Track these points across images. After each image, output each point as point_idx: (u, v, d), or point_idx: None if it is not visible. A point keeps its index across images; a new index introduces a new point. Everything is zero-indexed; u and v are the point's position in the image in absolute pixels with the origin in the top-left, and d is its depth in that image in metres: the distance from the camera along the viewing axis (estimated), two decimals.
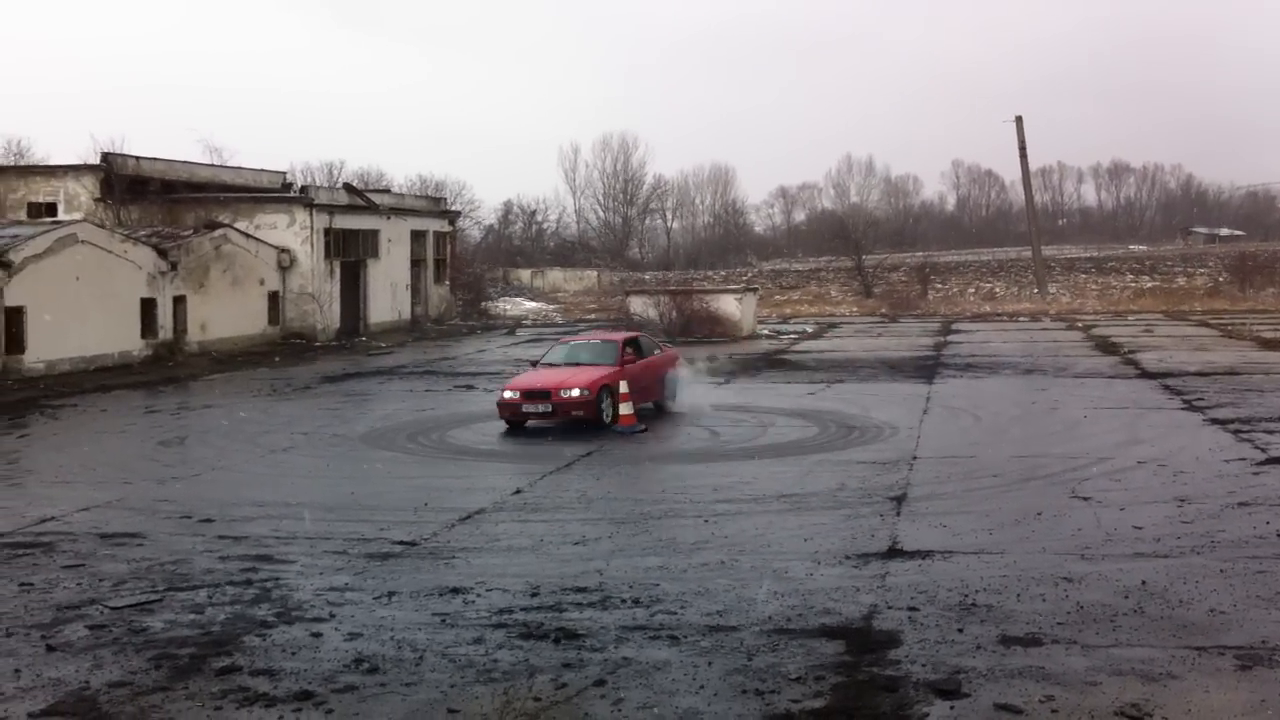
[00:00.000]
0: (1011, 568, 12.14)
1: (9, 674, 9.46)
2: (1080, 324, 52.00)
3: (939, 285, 76.18)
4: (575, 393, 22.29)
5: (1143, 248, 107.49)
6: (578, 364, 23.98)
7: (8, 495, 17.35)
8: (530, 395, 22.54)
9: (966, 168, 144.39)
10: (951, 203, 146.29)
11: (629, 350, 24.55)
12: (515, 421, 22.84)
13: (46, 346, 33.50)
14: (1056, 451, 19.37)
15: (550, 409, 22.40)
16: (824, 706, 8.56)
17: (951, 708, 8.49)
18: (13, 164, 59.79)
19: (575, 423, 22.41)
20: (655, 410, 24.96)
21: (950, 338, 45.75)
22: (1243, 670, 9.14)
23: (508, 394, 22.84)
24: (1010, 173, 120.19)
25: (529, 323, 60.37)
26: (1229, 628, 10.14)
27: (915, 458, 19.03)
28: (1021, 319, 57.11)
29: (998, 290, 75.27)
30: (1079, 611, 10.60)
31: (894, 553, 12.92)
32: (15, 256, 32.67)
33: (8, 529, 14.85)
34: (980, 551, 12.86)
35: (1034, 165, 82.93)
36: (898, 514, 14.92)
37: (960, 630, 10.12)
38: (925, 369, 33.43)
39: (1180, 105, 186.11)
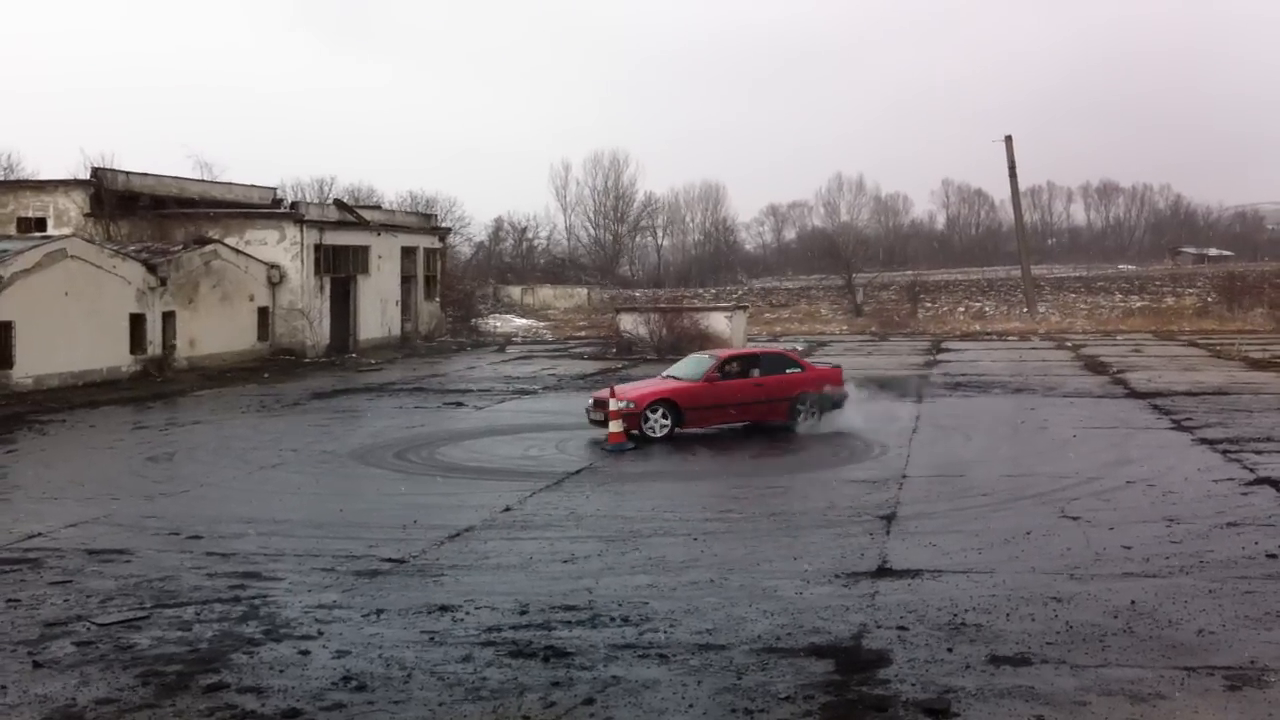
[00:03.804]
0: (1001, 587, 12.14)
1: None
2: (1069, 343, 52.11)
3: (928, 304, 76.32)
4: (622, 405, 23.01)
5: (1131, 267, 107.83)
6: (676, 379, 24.83)
7: None
8: (597, 404, 23.76)
9: (956, 187, 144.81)
10: (941, 221, 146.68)
11: (732, 365, 24.99)
12: (597, 424, 23.79)
13: (35, 362, 33.40)
14: (1045, 471, 19.39)
15: (602, 418, 23.23)
16: None
17: None
18: (2, 178, 59.63)
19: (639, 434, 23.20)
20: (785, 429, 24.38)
21: (940, 356, 45.82)
22: (1232, 690, 9.14)
23: (588, 399, 24.73)
24: (1000, 192, 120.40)
25: (519, 340, 60.34)
26: (1218, 648, 10.15)
27: (905, 476, 19.04)
28: (1011, 338, 57.22)
29: (987, 309, 75.44)
30: (1068, 631, 10.60)
31: (883, 572, 12.92)
32: (4, 271, 32.58)
33: None
34: (969, 571, 12.86)
35: (1023, 185, 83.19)
36: (887, 533, 14.91)
37: (950, 650, 10.12)
38: (915, 388, 33.43)
39: (1169, 126, 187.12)
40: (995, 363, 42.04)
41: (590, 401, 24.43)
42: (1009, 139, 73.35)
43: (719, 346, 46.35)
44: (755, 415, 24.46)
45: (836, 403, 25.09)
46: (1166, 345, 50.13)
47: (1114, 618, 11.00)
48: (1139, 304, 74.60)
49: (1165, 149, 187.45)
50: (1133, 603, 11.47)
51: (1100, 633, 10.55)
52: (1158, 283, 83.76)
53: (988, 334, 60.35)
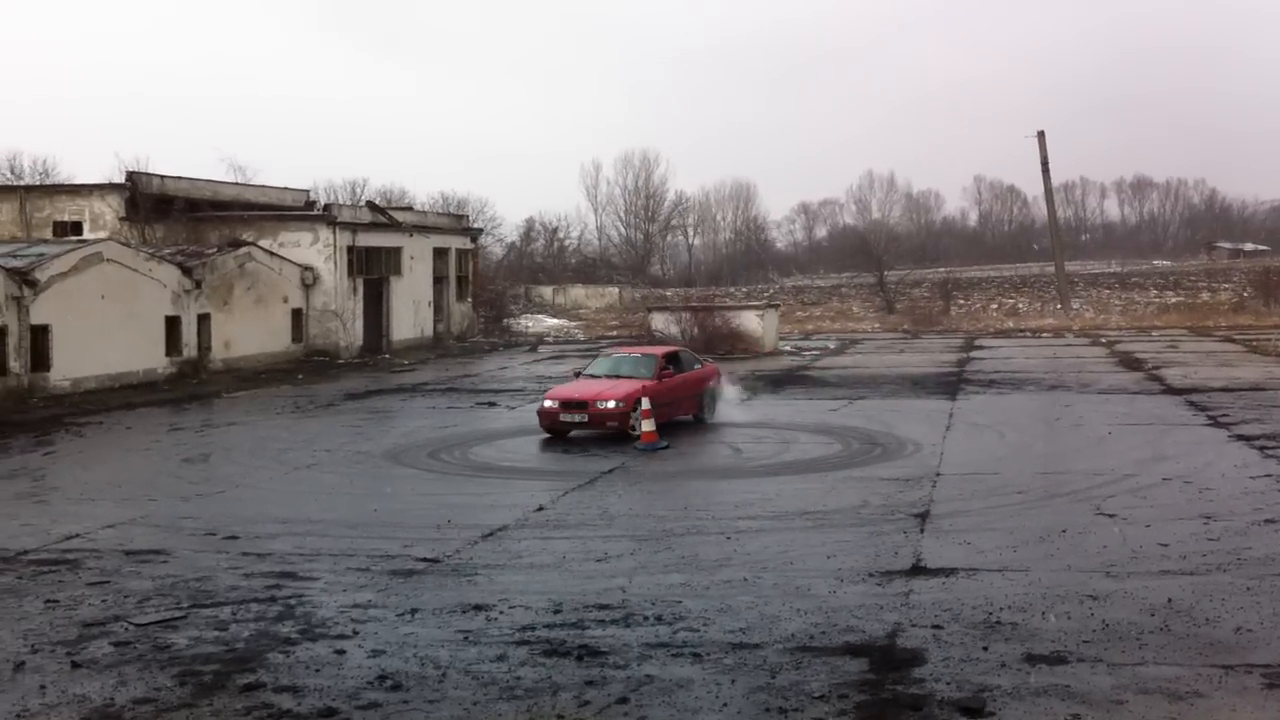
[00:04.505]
0: (1036, 585, 12.08)
1: (35, 690, 9.51)
2: (1104, 340, 51.77)
3: (961, 301, 75.97)
4: (610, 405, 23.01)
5: (1166, 263, 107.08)
6: (618, 376, 24.61)
7: (33, 512, 17.43)
8: (569, 405, 23.34)
9: (989, 183, 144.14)
10: (974, 218, 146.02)
11: (668, 366, 25.05)
12: (555, 430, 23.58)
13: (72, 364, 33.70)
14: (1081, 468, 19.28)
15: (586, 419, 23.16)
16: None
17: None
18: (39, 183, 60.17)
19: (610, 434, 23.08)
20: (694, 423, 25.26)
21: (973, 354, 45.61)
22: (1270, 689, 9.07)
23: (548, 403, 23.70)
24: (1033, 188, 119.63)
25: (551, 340, 60.43)
26: (1256, 646, 10.07)
27: (938, 474, 18.97)
28: (1045, 335, 56.91)
29: (1021, 306, 75.03)
30: (1104, 629, 10.54)
31: (917, 570, 12.88)
32: (41, 275, 32.90)
33: (33, 546, 14.93)
34: (1004, 569, 12.80)
35: (1056, 180, 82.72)
36: (921, 531, 14.86)
37: (985, 648, 10.08)
38: (948, 385, 33.33)
39: (1203, 120, 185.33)
40: (1029, 360, 41.82)
41: (548, 404, 23.74)
42: (1041, 134, 72.95)
43: (750, 345, 46.49)
44: (681, 411, 24.98)
45: (719, 397, 26.56)
46: (1202, 341, 49.73)
47: (1151, 616, 10.93)
48: (1174, 300, 74.04)
49: (1200, 143, 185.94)
50: (1170, 600, 11.39)
51: (1137, 631, 10.49)
52: (1193, 278, 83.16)
53: (1021, 331, 60.04)
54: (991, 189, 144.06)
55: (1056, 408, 27.82)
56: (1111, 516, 15.40)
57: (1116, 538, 14.19)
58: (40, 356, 32.86)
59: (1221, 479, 17.99)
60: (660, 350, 26.64)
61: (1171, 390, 30.64)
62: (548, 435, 23.87)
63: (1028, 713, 8.66)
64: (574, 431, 23.61)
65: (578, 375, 25.75)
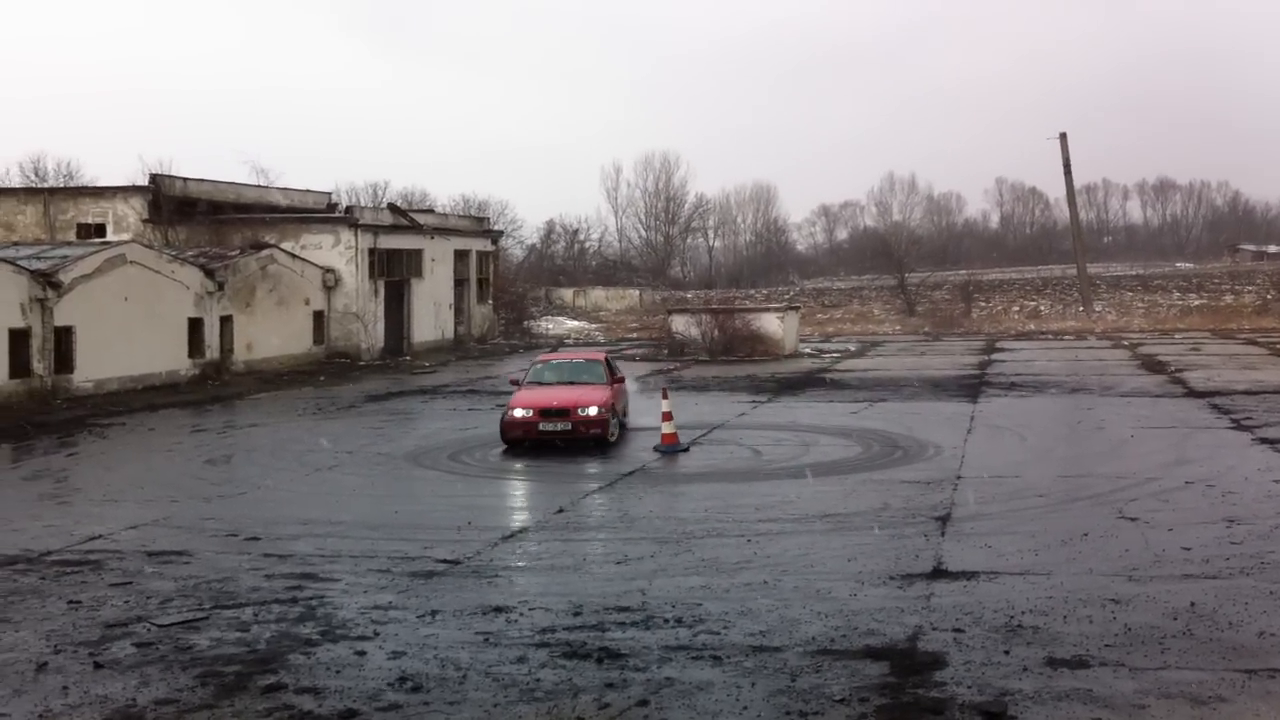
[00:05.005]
0: (1058, 589, 12.03)
1: (57, 691, 9.56)
2: (1126, 342, 51.59)
3: (983, 303, 75.75)
4: (593, 411, 22.50)
5: (1189, 265, 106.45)
6: (573, 383, 23.98)
7: (56, 513, 17.53)
8: (548, 414, 22.46)
9: (1010, 185, 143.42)
10: (995, 220, 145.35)
11: (611, 369, 25.03)
12: (528, 440, 22.55)
13: (95, 366, 33.89)
14: (1103, 471, 19.20)
15: (570, 427, 22.41)
16: None
17: None
18: (62, 185, 60.52)
19: (587, 441, 22.46)
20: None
21: (994, 356, 45.49)
22: None
23: (519, 412, 22.60)
24: (1054, 190, 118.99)
25: (571, 341, 60.50)
26: (1279, 650, 10.00)
27: (959, 477, 18.92)
28: (1067, 337, 56.73)
29: (1042, 308, 74.77)
30: (1127, 633, 10.49)
31: (938, 573, 12.84)
32: (65, 277, 33.08)
33: (56, 546, 15.01)
34: (1026, 572, 12.75)
35: (1078, 182, 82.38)
36: (942, 534, 14.82)
37: (1006, 652, 10.04)
38: (969, 388, 33.24)
39: (1227, 122, 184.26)
40: (1051, 362, 41.69)
41: (520, 413, 22.48)
42: (1063, 136, 72.73)
43: (770, 348, 46.44)
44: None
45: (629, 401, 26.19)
46: (1225, 344, 49.50)
47: (1173, 620, 10.88)
48: (1197, 302, 73.65)
49: (1223, 145, 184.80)
50: (1192, 604, 11.33)
51: (1159, 635, 10.43)
52: (1216, 280, 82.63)
53: (1043, 333, 59.87)
54: (1013, 191, 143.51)
55: (1078, 411, 27.72)
56: (1134, 520, 15.33)
57: (1139, 541, 14.12)
58: (64, 358, 33.05)
59: (1245, 483, 17.89)
60: (600, 354, 26.54)
61: (1194, 393, 30.50)
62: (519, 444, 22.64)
63: (1049, 717, 8.62)
64: (559, 441, 22.43)
65: (518, 384, 24.63)
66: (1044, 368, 39.46)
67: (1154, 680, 9.33)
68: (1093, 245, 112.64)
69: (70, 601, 12.35)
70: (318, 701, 9.20)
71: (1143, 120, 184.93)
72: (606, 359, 25.80)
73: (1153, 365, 39.29)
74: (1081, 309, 70.80)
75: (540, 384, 24.23)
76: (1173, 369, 37.40)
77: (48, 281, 32.46)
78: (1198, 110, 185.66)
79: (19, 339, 31.57)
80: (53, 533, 15.91)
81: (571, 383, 24.05)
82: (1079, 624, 10.80)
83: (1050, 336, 57.68)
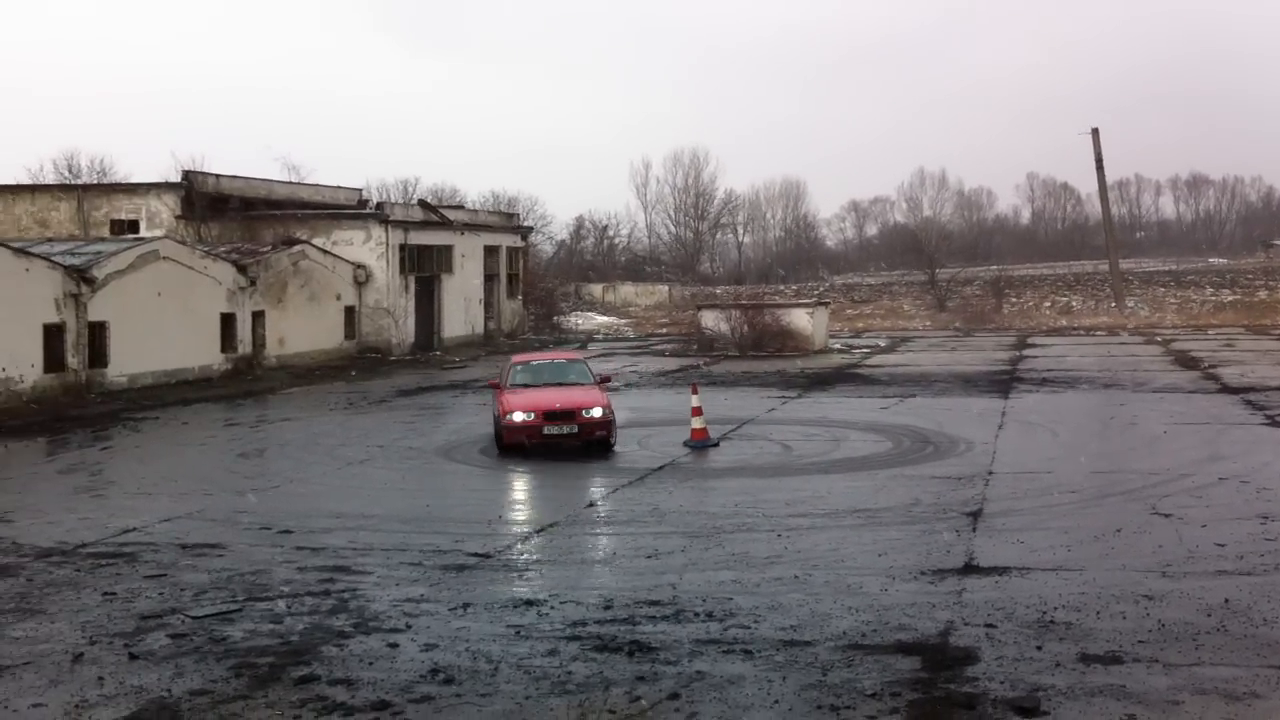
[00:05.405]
0: (1091, 585, 11.98)
1: (93, 681, 9.64)
2: (1159, 338, 51.25)
3: (1014, 299, 75.33)
4: (598, 413, 21.59)
5: (1223, 261, 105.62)
6: (561, 384, 22.89)
7: (91, 506, 17.68)
8: (553, 416, 21.39)
9: (1041, 180, 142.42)
10: (1026, 216, 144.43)
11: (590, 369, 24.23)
12: (530, 445, 21.37)
13: (129, 361, 34.13)
14: (1136, 467, 19.10)
15: (576, 430, 21.42)
16: None
17: None
18: (96, 182, 60.94)
19: (592, 444, 21.53)
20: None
21: (1026, 352, 45.27)
22: None
23: (519, 416, 21.42)
24: (1086, 185, 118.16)
25: (600, 337, 60.57)
26: None
27: (991, 473, 18.84)
28: (1099, 333, 56.40)
29: (1074, 304, 74.31)
30: (1160, 630, 10.44)
31: (970, 569, 12.80)
32: (99, 273, 33.33)
33: (91, 539, 15.14)
34: (1058, 568, 12.70)
35: (1110, 178, 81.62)
36: (974, 530, 14.77)
37: (1039, 648, 10.01)
38: (1000, 383, 33.10)
39: (1261, 116, 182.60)
40: (1083, 358, 41.46)
41: (521, 416, 21.35)
42: (1095, 131, 72.20)
43: (800, 343, 46.36)
44: None
45: None
46: (1259, 340, 49.10)
47: (1207, 616, 10.81)
48: (1230, 298, 73.05)
49: (1257, 140, 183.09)
50: (1226, 601, 11.26)
51: (1193, 631, 10.37)
52: (1250, 276, 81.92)
53: (1075, 329, 59.53)
54: (1044, 186, 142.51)
55: (1111, 406, 27.57)
56: (1167, 516, 15.24)
57: (1172, 537, 14.04)
58: (98, 353, 33.30)
59: (1279, 478, 17.75)
60: (579, 354, 25.74)
61: (1228, 389, 30.28)
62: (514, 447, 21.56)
63: (1082, 713, 8.59)
64: (567, 444, 21.53)
65: (499, 387, 23.03)
66: (1076, 363, 39.24)
67: (1188, 676, 9.28)
68: (1125, 241, 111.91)
69: (105, 593, 12.46)
70: (350, 693, 9.26)
71: (1175, 115, 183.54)
72: (585, 360, 24.75)
73: (1186, 361, 39.02)
74: (1114, 305, 70.33)
75: (527, 386, 22.86)
76: (1206, 365, 37.13)
77: (82, 277, 32.72)
78: (1231, 105, 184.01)
79: (54, 334, 31.84)
80: (88, 525, 16.05)
81: (560, 384, 22.98)
82: (1112, 620, 10.75)
83: (1082, 332, 57.36)
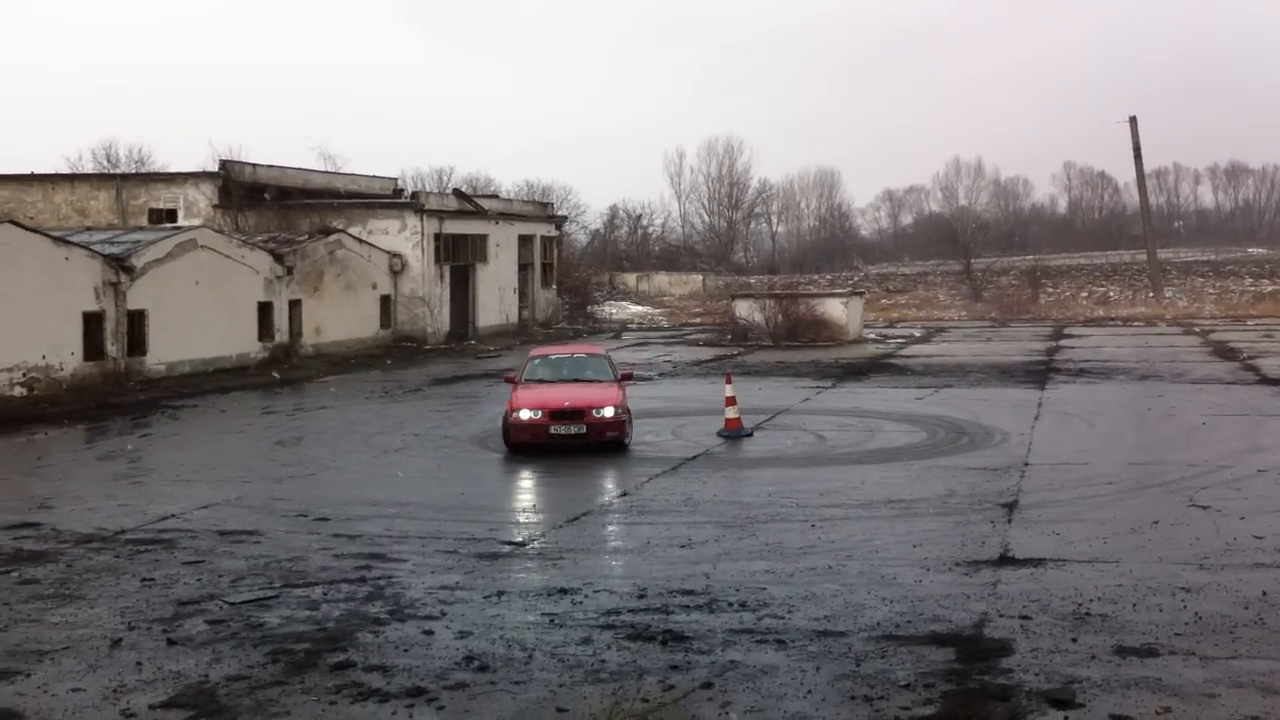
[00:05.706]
0: (1127, 577, 11.91)
1: (131, 666, 9.74)
2: (1197, 329, 50.82)
3: (1050, 289, 74.88)
4: (609, 412, 20.40)
5: (1262, 251, 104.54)
6: (579, 380, 21.83)
7: (130, 493, 17.86)
8: (560, 416, 20.29)
9: (1078, 169, 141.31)
10: (1063, 205, 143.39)
11: (613, 365, 22.92)
12: (535, 445, 20.36)
13: (167, 349, 34.39)
14: (1173, 459, 18.96)
15: (584, 430, 20.29)
16: (934, 714, 8.48)
17: (1066, 717, 8.36)
18: (135, 171, 61.46)
19: (602, 445, 20.42)
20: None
21: (1062, 342, 45.00)
22: None
23: (526, 414, 20.27)
24: (1124, 174, 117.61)
25: (634, 326, 60.61)
26: None
27: (1027, 464, 18.75)
28: (1136, 323, 55.99)
29: (1111, 294, 73.81)
30: (1197, 622, 10.37)
31: (1005, 560, 12.75)
32: (137, 261, 33.60)
33: (130, 526, 15.29)
34: (1094, 560, 12.64)
35: (1148, 166, 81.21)
36: (1009, 521, 14.71)
37: (1074, 640, 9.96)
38: (1036, 374, 32.92)
39: None
40: (1120, 349, 41.17)
41: (527, 415, 20.23)
42: (1133, 120, 71.64)
43: (834, 333, 46.24)
44: None
45: None
46: None
47: (1245, 609, 10.74)
48: (1270, 288, 72.36)
49: None
50: (1264, 594, 11.18)
51: (1230, 624, 10.30)
52: None
53: (1112, 319, 59.11)
54: (1081, 175, 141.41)
55: (1148, 397, 27.37)
56: (1205, 508, 15.14)
57: (1210, 530, 13.94)
58: (136, 341, 33.58)
59: None
60: (600, 349, 24.82)
61: (1267, 380, 30.00)
62: (526, 445, 20.51)
63: (1118, 704, 8.55)
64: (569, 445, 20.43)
65: (514, 382, 21.84)
66: (1113, 354, 38.98)
67: (1225, 669, 9.22)
68: (1163, 230, 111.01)
69: (144, 579, 12.58)
70: (386, 679, 9.32)
71: (1214, 103, 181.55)
72: (608, 354, 23.89)
73: (1224, 352, 38.69)
74: (1151, 295, 69.81)
75: (542, 382, 21.81)
76: (1245, 356, 36.80)
77: (120, 266, 32.98)
78: (1271, 93, 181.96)
79: (93, 322, 32.11)
80: (127, 512, 16.21)
81: (577, 380, 21.88)
82: (1148, 612, 10.69)
83: (1119, 323, 56.95)
